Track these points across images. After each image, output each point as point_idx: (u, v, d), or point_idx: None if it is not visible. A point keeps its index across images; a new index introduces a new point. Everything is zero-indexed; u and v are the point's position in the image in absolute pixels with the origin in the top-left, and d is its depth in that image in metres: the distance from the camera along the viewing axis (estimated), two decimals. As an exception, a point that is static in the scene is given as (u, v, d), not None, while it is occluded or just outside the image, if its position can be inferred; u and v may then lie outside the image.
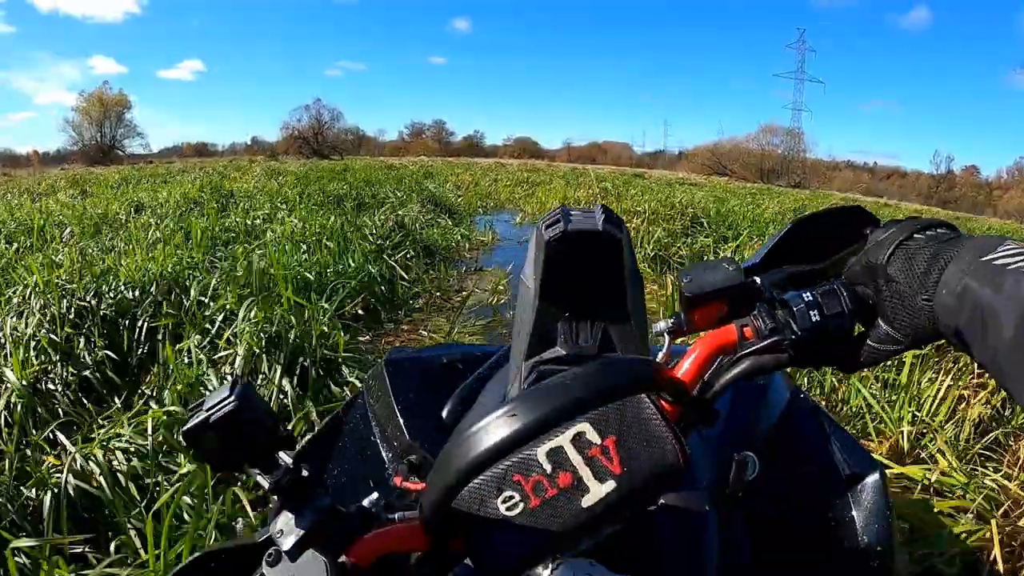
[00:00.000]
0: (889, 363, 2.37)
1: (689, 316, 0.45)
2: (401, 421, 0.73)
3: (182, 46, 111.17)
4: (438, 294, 4.25)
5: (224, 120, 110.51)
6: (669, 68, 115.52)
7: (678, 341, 0.49)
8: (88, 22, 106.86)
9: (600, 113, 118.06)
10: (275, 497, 0.38)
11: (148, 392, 2.19)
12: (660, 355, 0.51)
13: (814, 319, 0.40)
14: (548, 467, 0.35)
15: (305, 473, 0.39)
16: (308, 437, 0.89)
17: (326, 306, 2.85)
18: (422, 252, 5.22)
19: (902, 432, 2.07)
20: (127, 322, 2.60)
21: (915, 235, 0.38)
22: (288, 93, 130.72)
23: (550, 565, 0.45)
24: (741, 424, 0.72)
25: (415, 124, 62.13)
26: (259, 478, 0.38)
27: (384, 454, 0.74)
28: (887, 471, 1.20)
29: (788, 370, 0.92)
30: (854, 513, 0.67)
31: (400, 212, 6.30)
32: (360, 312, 3.37)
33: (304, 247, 4.07)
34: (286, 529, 0.37)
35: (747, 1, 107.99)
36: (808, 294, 0.41)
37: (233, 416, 0.36)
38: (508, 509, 0.35)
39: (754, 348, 0.42)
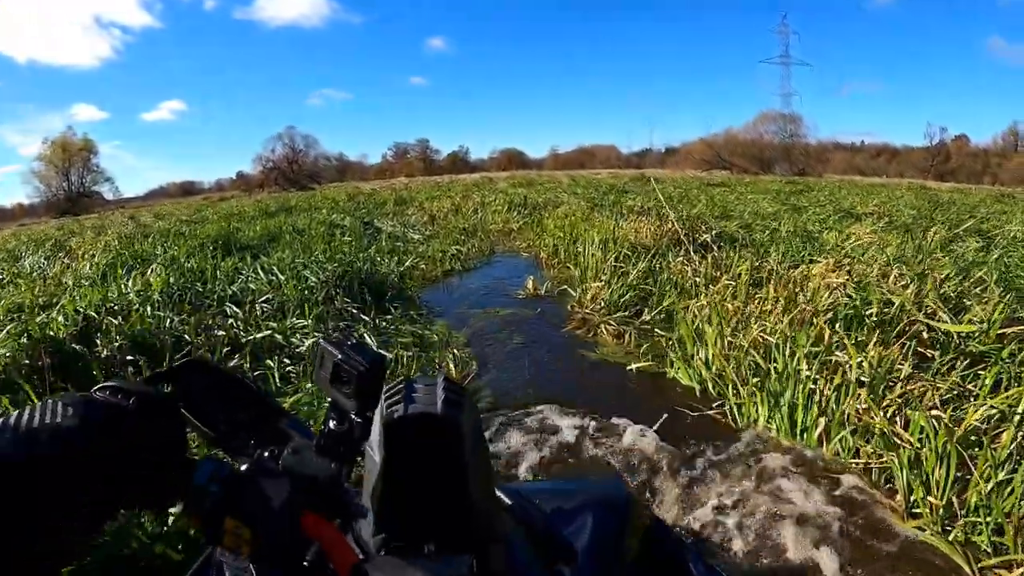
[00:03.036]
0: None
1: None
2: None
3: (161, 87, 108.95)
4: None
5: (211, 157, 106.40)
6: (648, 66, 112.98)
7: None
8: (66, 71, 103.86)
9: (583, 117, 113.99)
10: None
11: None
12: None
13: None
14: None
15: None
16: None
17: None
18: None
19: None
20: None
21: None
22: (271, 125, 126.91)
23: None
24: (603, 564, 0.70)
25: (398, 145, 61.48)
26: None
27: None
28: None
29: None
30: None
31: None
32: None
33: None
34: None
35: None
36: None
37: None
38: None
39: None
